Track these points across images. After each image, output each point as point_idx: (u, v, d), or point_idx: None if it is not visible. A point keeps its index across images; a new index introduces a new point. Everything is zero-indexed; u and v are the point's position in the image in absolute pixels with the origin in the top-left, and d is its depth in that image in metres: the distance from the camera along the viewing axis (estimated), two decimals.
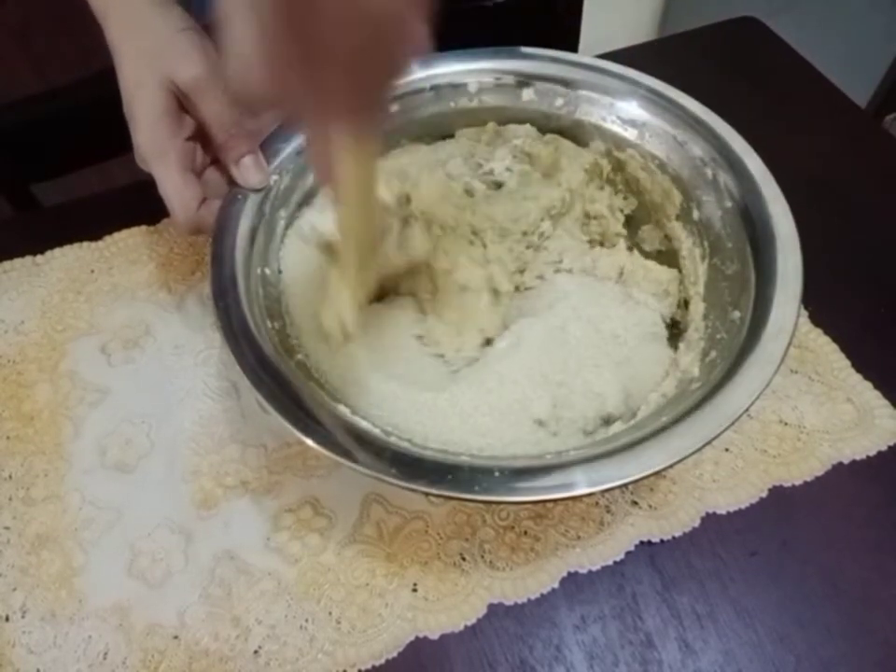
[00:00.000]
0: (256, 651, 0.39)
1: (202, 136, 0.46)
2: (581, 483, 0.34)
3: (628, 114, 0.50)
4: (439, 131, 0.53)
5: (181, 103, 0.44)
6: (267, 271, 0.44)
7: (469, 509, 0.44)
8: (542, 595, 0.41)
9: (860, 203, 0.59)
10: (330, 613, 0.41)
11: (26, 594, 0.42)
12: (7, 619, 0.41)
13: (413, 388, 0.42)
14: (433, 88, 0.51)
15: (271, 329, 0.41)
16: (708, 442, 0.35)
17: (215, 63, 0.44)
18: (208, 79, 0.43)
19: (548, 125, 0.52)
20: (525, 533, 0.43)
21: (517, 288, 0.48)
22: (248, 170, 0.45)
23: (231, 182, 0.45)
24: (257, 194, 0.45)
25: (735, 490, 0.44)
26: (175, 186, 0.43)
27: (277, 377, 0.38)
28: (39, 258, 0.56)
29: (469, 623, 0.40)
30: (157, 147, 0.43)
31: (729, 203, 0.45)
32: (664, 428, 0.36)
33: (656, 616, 0.41)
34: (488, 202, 0.49)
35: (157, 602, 0.41)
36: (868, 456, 0.45)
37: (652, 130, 0.49)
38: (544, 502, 0.42)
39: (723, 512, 0.44)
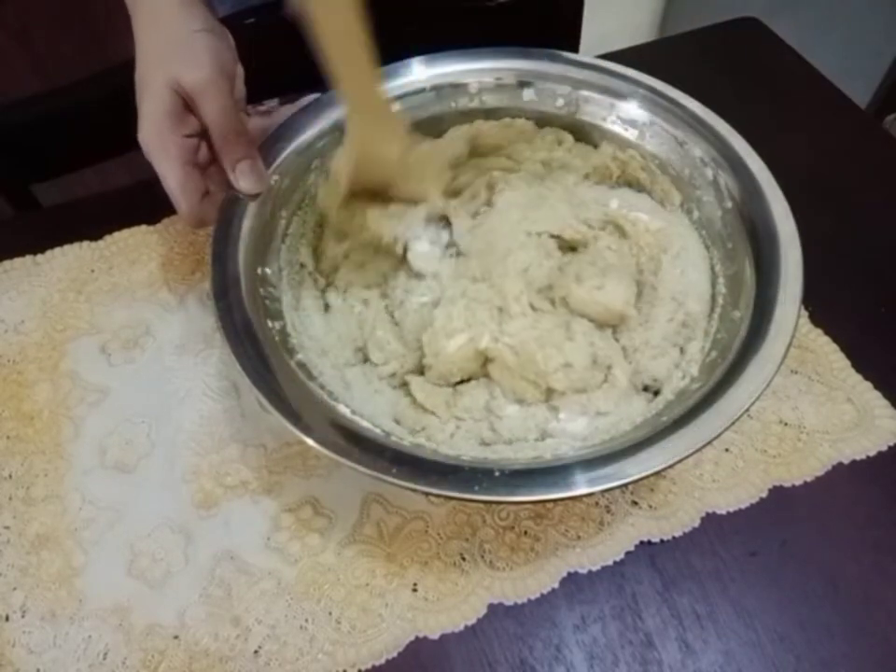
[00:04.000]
0: (256, 651, 0.39)
1: (206, 135, 0.46)
2: (581, 483, 0.34)
3: (629, 114, 0.50)
4: (439, 131, 0.53)
5: (186, 103, 0.44)
6: (268, 270, 0.44)
7: (469, 509, 0.44)
8: (542, 594, 0.41)
9: (860, 203, 0.59)
10: (330, 613, 0.41)
11: (26, 593, 0.42)
12: (7, 619, 0.41)
13: None
14: (434, 88, 0.51)
15: (271, 329, 0.41)
16: (708, 442, 0.35)
17: (222, 67, 0.45)
18: (212, 84, 0.44)
19: (549, 125, 0.52)
20: (525, 533, 0.43)
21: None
22: (244, 175, 0.45)
23: (231, 184, 0.46)
24: (257, 197, 0.45)
25: (734, 490, 0.44)
26: (176, 178, 0.44)
27: (278, 377, 0.38)
28: (39, 257, 0.56)
29: (469, 623, 0.40)
30: (159, 142, 0.44)
31: (729, 203, 0.45)
32: (664, 428, 0.36)
33: (656, 616, 0.41)
34: None
35: (157, 602, 0.41)
36: (868, 456, 0.45)
37: (653, 130, 0.49)
38: (544, 502, 0.43)
39: (723, 512, 0.44)
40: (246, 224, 0.44)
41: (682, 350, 0.44)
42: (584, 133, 0.52)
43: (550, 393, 0.43)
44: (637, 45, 0.73)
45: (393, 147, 0.45)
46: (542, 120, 0.52)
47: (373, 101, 0.43)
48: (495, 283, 0.45)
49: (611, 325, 0.46)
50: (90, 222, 0.58)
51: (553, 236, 0.48)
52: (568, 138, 0.52)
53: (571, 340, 0.43)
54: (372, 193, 0.46)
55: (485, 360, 0.44)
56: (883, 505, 0.44)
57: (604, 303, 0.44)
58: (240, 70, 0.49)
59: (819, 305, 0.51)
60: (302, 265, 0.47)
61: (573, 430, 0.41)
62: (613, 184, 0.52)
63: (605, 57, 0.56)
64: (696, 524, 0.43)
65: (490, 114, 0.52)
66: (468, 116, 0.52)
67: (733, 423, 0.35)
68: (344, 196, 0.46)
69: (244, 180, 0.45)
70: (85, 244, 0.57)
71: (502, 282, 0.45)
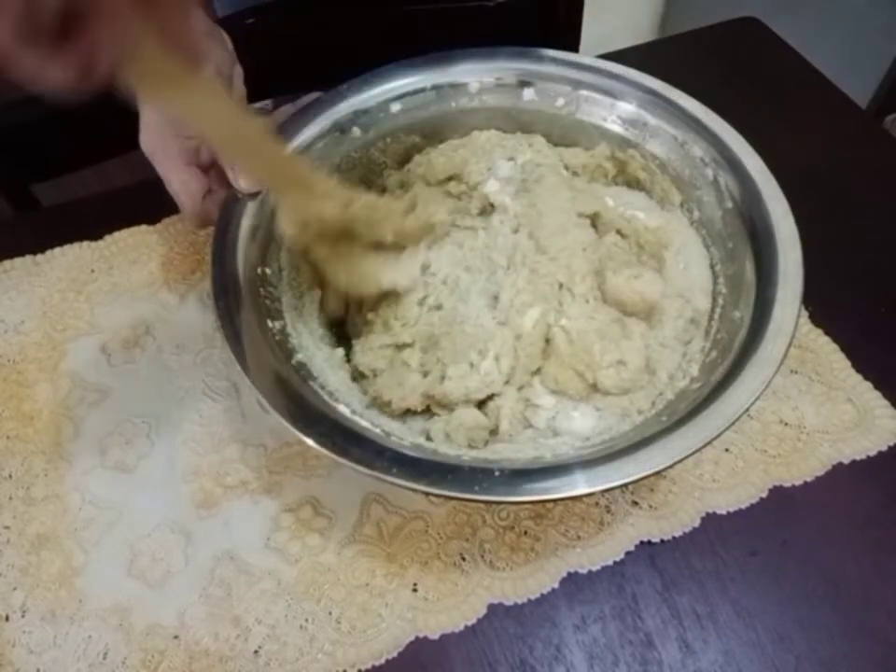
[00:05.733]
0: (256, 651, 0.39)
1: None
2: (581, 483, 0.34)
3: (629, 114, 0.50)
4: (439, 130, 0.53)
5: None
6: (267, 270, 0.44)
7: (469, 509, 0.44)
8: (542, 594, 0.41)
9: (860, 203, 0.59)
10: (330, 613, 0.41)
11: (26, 593, 0.42)
12: (7, 619, 0.41)
13: None
14: (434, 88, 0.51)
15: (271, 329, 0.41)
16: (708, 442, 0.35)
17: (218, 69, 0.45)
18: None
19: (549, 126, 0.52)
20: (525, 533, 0.43)
21: None
22: (243, 173, 0.45)
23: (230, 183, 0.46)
24: (257, 196, 0.45)
25: (735, 490, 0.44)
26: (179, 180, 0.44)
27: (277, 377, 0.38)
28: (39, 257, 0.56)
29: (468, 623, 0.40)
30: (160, 146, 0.44)
31: (729, 203, 0.45)
32: (664, 428, 0.36)
33: (656, 616, 0.40)
34: None
35: (157, 602, 0.41)
36: (868, 456, 0.45)
37: (653, 130, 0.49)
38: (544, 502, 0.43)
39: (723, 512, 0.44)
40: (246, 224, 0.44)
41: (685, 349, 0.44)
42: (585, 134, 0.52)
43: (592, 389, 0.42)
44: (637, 45, 0.73)
45: (328, 205, 0.42)
46: (544, 122, 0.52)
47: (283, 171, 0.42)
48: (556, 257, 0.44)
49: (640, 318, 0.45)
50: (90, 222, 0.58)
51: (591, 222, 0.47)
52: (538, 140, 0.51)
53: (629, 339, 0.43)
54: (366, 243, 0.44)
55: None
56: (883, 505, 0.44)
57: (640, 292, 0.44)
58: (238, 70, 0.49)
59: (819, 305, 0.51)
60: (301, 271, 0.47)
61: (579, 429, 0.41)
62: (609, 182, 0.52)
63: (605, 57, 0.56)
64: (696, 524, 0.43)
65: (491, 113, 0.52)
66: (469, 115, 0.52)
67: (733, 423, 0.35)
68: (306, 250, 0.44)
69: (243, 179, 0.45)
70: (85, 244, 0.57)
71: (568, 258, 0.44)
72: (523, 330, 0.42)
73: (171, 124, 0.44)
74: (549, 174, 0.48)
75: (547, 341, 0.43)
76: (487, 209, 0.48)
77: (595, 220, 0.48)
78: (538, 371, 0.43)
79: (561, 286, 0.44)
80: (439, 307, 0.44)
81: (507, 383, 0.42)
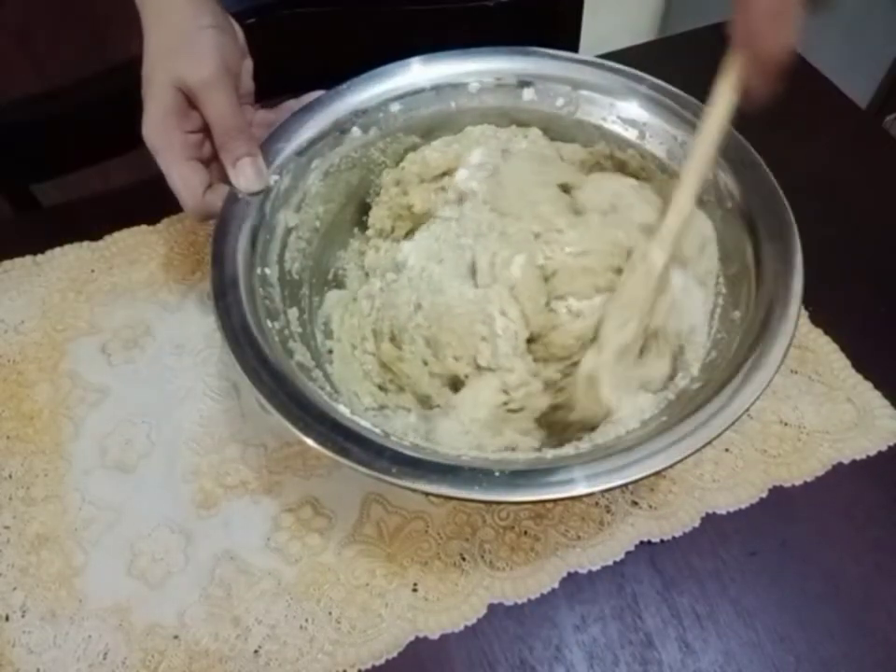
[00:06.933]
0: (256, 651, 0.39)
1: (209, 132, 0.46)
2: (581, 483, 0.34)
3: (629, 114, 0.50)
4: (439, 130, 0.53)
5: (190, 100, 0.45)
6: (267, 271, 0.44)
7: (469, 509, 0.44)
8: (542, 595, 0.41)
9: (860, 204, 0.59)
10: (330, 613, 0.41)
11: (26, 593, 0.42)
12: (7, 619, 0.41)
13: None
14: (434, 87, 0.51)
15: (271, 329, 0.41)
16: (708, 442, 0.35)
17: (225, 64, 0.45)
18: (214, 82, 0.44)
19: (549, 125, 0.52)
20: (525, 533, 0.43)
21: None
22: (244, 172, 0.44)
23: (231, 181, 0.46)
24: (257, 195, 0.45)
25: (735, 490, 0.44)
26: (180, 174, 0.44)
27: (277, 377, 0.38)
28: (39, 257, 0.56)
29: (468, 623, 0.40)
30: (162, 139, 0.44)
31: (729, 203, 0.45)
32: (664, 428, 0.36)
33: (656, 616, 0.40)
34: None
35: (157, 602, 0.41)
36: (868, 456, 0.45)
37: (653, 130, 0.49)
38: (544, 502, 0.43)
39: (723, 512, 0.44)
40: (246, 224, 0.44)
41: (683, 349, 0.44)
42: (584, 134, 0.52)
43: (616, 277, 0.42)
44: (637, 45, 0.73)
45: None
46: (543, 121, 0.52)
47: None
48: (520, 216, 0.44)
49: None
50: (90, 222, 0.58)
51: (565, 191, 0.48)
52: (534, 132, 0.52)
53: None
54: None
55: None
56: (883, 505, 0.44)
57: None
58: (248, 64, 0.49)
59: (819, 305, 0.51)
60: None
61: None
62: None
63: (605, 57, 0.56)
64: (696, 524, 0.43)
65: (491, 113, 0.52)
66: (468, 116, 0.52)
67: (733, 423, 0.35)
68: None
69: (243, 177, 0.45)
70: (85, 244, 0.57)
71: (533, 210, 0.44)
72: (514, 280, 0.42)
73: (174, 117, 0.44)
74: (523, 153, 0.49)
75: (546, 279, 0.43)
76: (463, 198, 0.49)
77: (567, 190, 0.48)
78: (562, 297, 0.43)
79: (537, 235, 0.44)
80: (419, 306, 0.45)
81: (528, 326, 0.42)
